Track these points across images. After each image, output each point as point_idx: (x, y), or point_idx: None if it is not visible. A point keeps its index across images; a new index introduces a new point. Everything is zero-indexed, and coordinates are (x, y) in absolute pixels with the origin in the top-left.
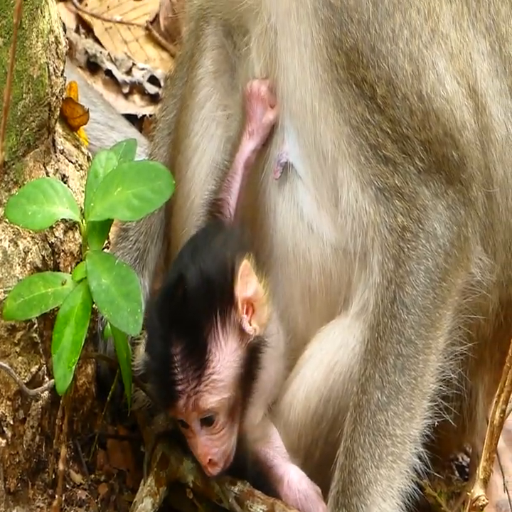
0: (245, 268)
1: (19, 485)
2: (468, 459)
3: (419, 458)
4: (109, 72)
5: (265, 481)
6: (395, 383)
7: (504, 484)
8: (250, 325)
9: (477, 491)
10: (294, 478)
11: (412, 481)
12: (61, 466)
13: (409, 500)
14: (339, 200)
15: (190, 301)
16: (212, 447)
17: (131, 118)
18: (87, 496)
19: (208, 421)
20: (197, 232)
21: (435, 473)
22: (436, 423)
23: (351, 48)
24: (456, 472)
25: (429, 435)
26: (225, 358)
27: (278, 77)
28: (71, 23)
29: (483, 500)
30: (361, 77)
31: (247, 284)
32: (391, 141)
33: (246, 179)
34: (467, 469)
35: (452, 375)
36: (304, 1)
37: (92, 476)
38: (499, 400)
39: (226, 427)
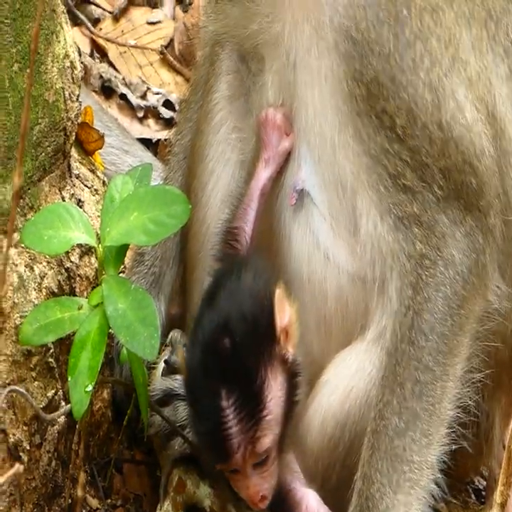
0: (280, 297)
1: (36, 510)
2: (484, 483)
3: (436, 484)
4: (123, 97)
5: (283, 506)
6: (412, 409)
7: None
8: (289, 351)
9: None
10: (312, 503)
11: (429, 506)
12: (80, 492)
13: None
14: (358, 229)
15: (239, 348)
16: (264, 484)
17: (146, 142)
18: None
19: (262, 462)
20: (221, 272)
21: (451, 499)
22: (453, 449)
23: (372, 80)
24: (473, 496)
25: (445, 461)
26: (275, 394)
27: (296, 108)
28: (86, 47)
29: None
30: (381, 109)
31: (284, 312)
32: (410, 169)
33: (262, 207)
34: (484, 493)
35: (470, 402)
36: (325, 35)
37: (109, 500)
38: None
39: (276, 460)
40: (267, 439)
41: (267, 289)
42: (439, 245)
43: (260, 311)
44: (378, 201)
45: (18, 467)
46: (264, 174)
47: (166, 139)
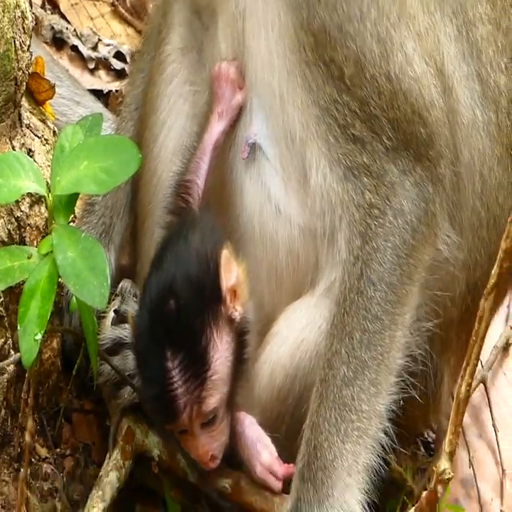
0: (226, 258)
1: None
2: (434, 436)
3: (385, 433)
4: (74, 48)
5: None
6: (361, 359)
7: (470, 460)
8: (236, 311)
9: (443, 464)
10: (244, 424)
11: (378, 456)
12: (27, 438)
13: (375, 476)
14: (307, 181)
15: (184, 311)
16: (213, 443)
17: (97, 93)
18: (52, 469)
19: (209, 421)
20: (170, 234)
21: (401, 449)
22: (402, 399)
23: (319, 29)
24: (422, 448)
25: (395, 411)
26: (221, 354)
27: (246, 60)
28: None
29: (449, 474)
30: (329, 58)
31: (230, 272)
32: (360, 120)
33: (214, 160)
34: (433, 445)
35: (418, 351)
36: None
37: (58, 450)
38: (465, 373)
39: (224, 418)
40: (213, 399)
41: (213, 251)
42: (388, 195)
43: (206, 273)
44: (327, 152)
45: None
46: (217, 128)
47: (117, 91)
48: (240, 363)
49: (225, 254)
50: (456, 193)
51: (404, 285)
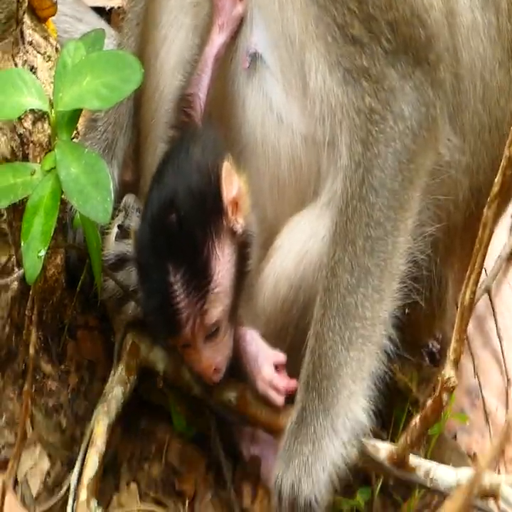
0: (227, 170)
1: None
2: (438, 346)
3: (390, 339)
4: None
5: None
6: (364, 266)
7: (474, 369)
8: (238, 223)
9: (448, 372)
10: (245, 341)
11: (383, 365)
12: (31, 353)
13: (380, 385)
14: (307, 84)
15: (185, 223)
16: (216, 356)
17: (99, 10)
18: (57, 386)
19: (212, 334)
20: (171, 147)
21: (406, 357)
22: (406, 306)
23: None
24: (427, 359)
25: (399, 318)
26: (224, 266)
27: None
28: None
29: (454, 382)
30: None
31: (231, 184)
32: (358, 20)
33: (215, 73)
34: (437, 356)
35: (422, 256)
36: None
37: (62, 366)
38: (469, 281)
39: (227, 331)
40: (216, 311)
41: (214, 163)
42: (388, 99)
43: (207, 185)
44: (326, 53)
45: None
46: (218, 40)
47: (119, 7)
48: (242, 275)
49: (226, 166)
50: (456, 97)
51: (405, 190)
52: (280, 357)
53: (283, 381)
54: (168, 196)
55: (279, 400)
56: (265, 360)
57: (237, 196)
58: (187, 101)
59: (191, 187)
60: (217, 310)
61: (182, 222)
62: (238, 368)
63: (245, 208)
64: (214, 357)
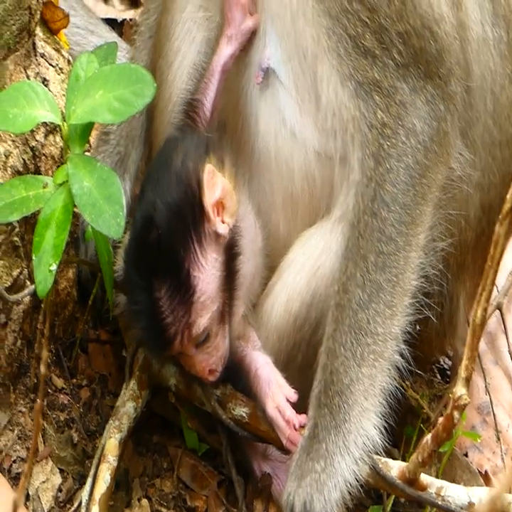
0: (209, 173)
1: (1, 389)
2: (450, 363)
3: (401, 355)
4: None
5: (237, 372)
6: (376, 281)
7: (486, 386)
8: (223, 223)
9: (459, 389)
10: (262, 367)
11: (395, 382)
12: (43, 369)
13: (391, 402)
14: (319, 98)
15: (165, 240)
16: (210, 359)
17: (111, 22)
18: (68, 400)
19: (203, 340)
20: (156, 158)
21: (418, 374)
22: (418, 322)
23: None
24: (438, 375)
25: (411, 333)
26: (207, 274)
27: None
28: None
29: (466, 400)
30: None
31: (214, 186)
32: (370, 31)
33: (223, 83)
34: (449, 372)
35: (433, 272)
36: None
37: (74, 380)
38: (481, 298)
39: (219, 333)
40: (203, 320)
41: (195, 169)
42: (399, 114)
43: (186, 196)
44: (338, 66)
45: None
46: (226, 51)
47: (131, 20)
48: (231, 275)
49: (208, 168)
50: (468, 111)
51: (418, 205)
52: (293, 394)
53: (295, 414)
54: (148, 213)
55: (286, 431)
56: (279, 388)
57: (222, 196)
58: (192, 106)
59: (169, 201)
60: (204, 319)
61: (162, 239)
62: (248, 388)
63: (232, 205)
64: (208, 359)
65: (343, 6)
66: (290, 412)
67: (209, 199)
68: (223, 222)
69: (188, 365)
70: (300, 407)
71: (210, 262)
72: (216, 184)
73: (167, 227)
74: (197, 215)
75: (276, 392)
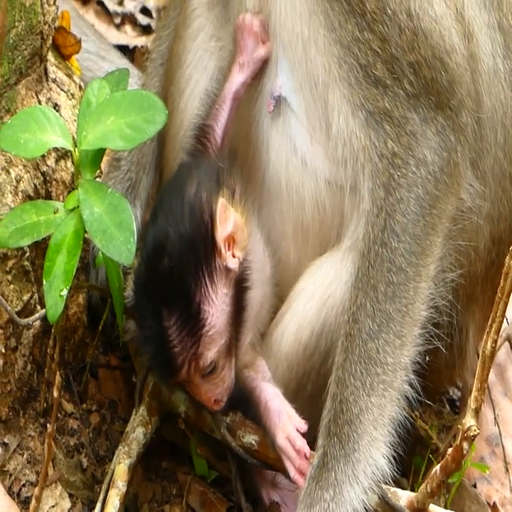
0: (222, 207)
1: (11, 413)
2: (459, 394)
3: (411, 385)
4: (100, 3)
5: (247, 404)
6: (385, 311)
7: (495, 418)
8: (234, 258)
9: (468, 420)
10: (272, 400)
11: (404, 412)
12: (55, 394)
13: (400, 432)
14: (330, 126)
15: (177, 269)
16: (216, 389)
17: (122, 49)
18: (78, 425)
19: (210, 372)
20: (166, 187)
21: (427, 404)
22: (427, 352)
23: None
24: (447, 406)
25: (420, 363)
26: (217, 308)
27: (270, 9)
28: None
29: (475, 431)
30: None
31: (226, 221)
32: (381, 61)
33: (234, 110)
34: (458, 403)
35: (443, 302)
36: None
37: (84, 405)
38: (491, 330)
39: (225, 365)
40: (210, 353)
41: (208, 201)
42: (410, 144)
43: (199, 228)
44: (349, 95)
45: None
46: (238, 78)
47: (142, 46)
48: (240, 310)
49: (221, 203)
50: (478, 143)
51: (428, 236)
52: (303, 424)
53: (305, 444)
54: (160, 240)
55: (297, 461)
56: (289, 419)
57: (234, 231)
58: (203, 131)
59: (183, 231)
60: (211, 352)
61: (174, 268)
62: (258, 419)
63: (243, 239)
64: (213, 390)
65: (355, 35)
66: (301, 442)
67: (221, 233)
68: (234, 256)
69: (194, 393)
70: (309, 436)
71: (220, 297)
72: (228, 218)
73: (179, 258)
74: (209, 249)
75: (287, 423)
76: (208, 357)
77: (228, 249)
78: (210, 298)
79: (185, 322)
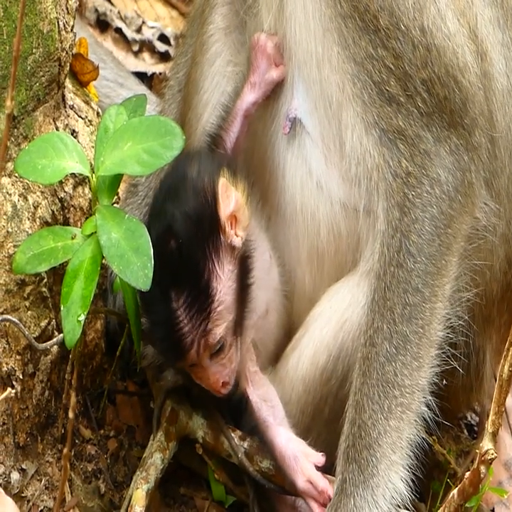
0: (223, 186)
1: (28, 439)
2: (477, 419)
3: (428, 407)
4: (118, 30)
5: (262, 443)
6: (402, 333)
7: None
8: (237, 236)
9: (486, 444)
10: (282, 439)
11: (422, 437)
12: (71, 415)
13: (418, 456)
14: (344, 145)
15: (185, 249)
16: (223, 370)
17: (140, 76)
18: (96, 451)
19: (217, 351)
20: (167, 174)
21: (446, 423)
22: (444, 375)
23: None
24: (465, 431)
25: (438, 385)
26: (225, 284)
27: (285, 30)
28: None
29: (492, 454)
30: (364, 8)
31: (228, 199)
32: (395, 78)
33: (245, 127)
34: (476, 428)
35: (459, 322)
36: None
37: (102, 431)
38: (508, 353)
39: (232, 344)
40: (219, 329)
41: (210, 182)
42: (424, 163)
43: (203, 206)
44: (363, 113)
45: (10, 391)
46: (249, 97)
47: (160, 73)
48: (245, 287)
49: (222, 182)
50: (492, 162)
51: (443, 256)
52: (320, 458)
53: (328, 484)
54: (166, 224)
55: (321, 500)
56: (306, 459)
57: (235, 209)
58: (215, 140)
59: (187, 211)
60: (220, 328)
61: (181, 249)
62: (274, 460)
63: (245, 218)
64: (221, 371)
65: (368, 52)
66: (323, 483)
67: (224, 211)
68: (237, 235)
69: (200, 379)
70: (327, 460)
71: (226, 274)
72: (230, 197)
73: (185, 237)
74: (213, 228)
75: (305, 466)
76: (217, 333)
77: (231, 228)
78: (218, 274)
79: (194, 300)
